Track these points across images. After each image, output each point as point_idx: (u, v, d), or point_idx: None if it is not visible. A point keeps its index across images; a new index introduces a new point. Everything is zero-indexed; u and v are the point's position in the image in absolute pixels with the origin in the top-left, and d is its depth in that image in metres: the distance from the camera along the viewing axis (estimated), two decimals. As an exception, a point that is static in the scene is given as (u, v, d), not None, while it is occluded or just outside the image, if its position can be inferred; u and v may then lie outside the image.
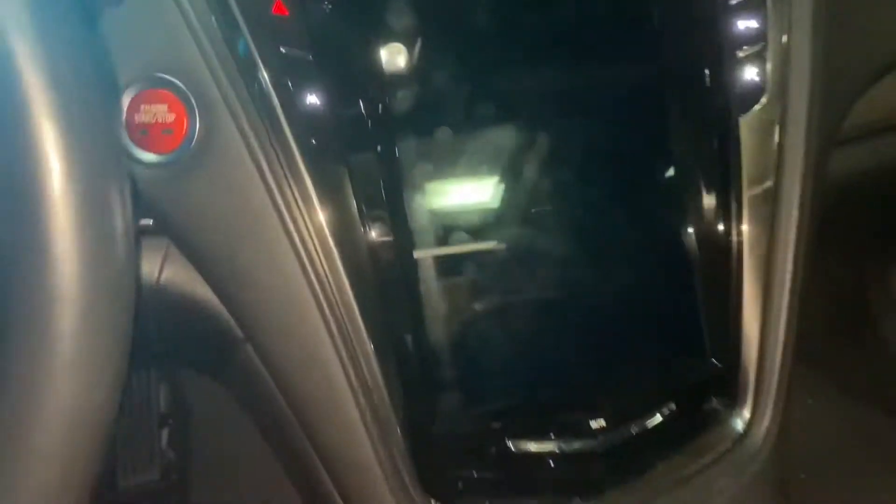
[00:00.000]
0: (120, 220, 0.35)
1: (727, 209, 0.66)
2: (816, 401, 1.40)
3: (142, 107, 0.53)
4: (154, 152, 0.54)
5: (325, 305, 0.54)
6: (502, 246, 0.62)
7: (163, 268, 0.59)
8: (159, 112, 0.53)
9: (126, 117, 0.53)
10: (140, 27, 0.53)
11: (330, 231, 0.54)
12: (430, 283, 0.60)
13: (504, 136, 0.62)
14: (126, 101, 0.53)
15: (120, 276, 0.35)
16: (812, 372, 1.42)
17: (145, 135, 0.53)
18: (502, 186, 0.62)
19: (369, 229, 0.56)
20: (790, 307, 0.66)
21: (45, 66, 0.31)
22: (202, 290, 0.58)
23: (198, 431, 1.26)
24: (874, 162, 0.89)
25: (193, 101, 0.53)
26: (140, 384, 1.23)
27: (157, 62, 0.53)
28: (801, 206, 0.66)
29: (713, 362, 0.67)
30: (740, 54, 0.66)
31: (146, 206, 0.56)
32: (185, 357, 0.78)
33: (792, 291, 0.66)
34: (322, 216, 0.54)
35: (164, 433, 1.29)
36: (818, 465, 1.25)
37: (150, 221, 0.57)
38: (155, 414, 1.27)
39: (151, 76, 0.53)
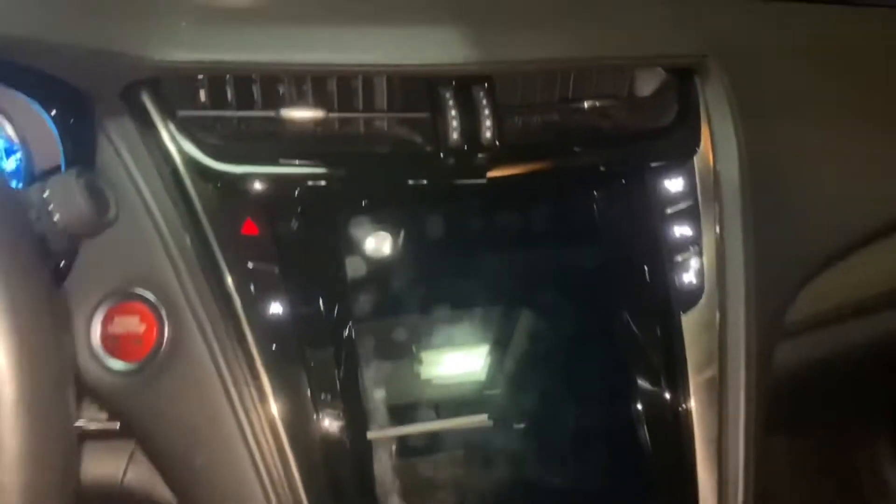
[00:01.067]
0: (63, 425, 0.37)
1: (675, 399, 0.69)
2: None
3: (115, 318, 0.58)
4: (123, 360, 0.57)
5: (273, 501, 0.56)
6: (455, 433, 0.65)
7: (127, 469, 0.62)
8: (131, 323, 0.57)
9: (101, 328, 0.58)
10: (120, 246, 0.59)
11: (284, 429, 0.57)
12: (384, 473, 0.62)
13: (457, 330, 0.67)
14: (101, 313, 0.58)
15: (60, 475, 0.37)
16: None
17: (116, 344, 0.57)
18: (453, 375, 0.66)
19: (322, 424, 0.59)
20: (745, 499, 0.67)
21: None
22: (163, 492, 0.60)
23: None
24: (833, 347, 0.92)
25: (164, 312, 0.57)
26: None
27: (133, 278, 0.58)
28: (748, 396, 0.69)
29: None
30: (678, 258, 0.71)
31: (114, 410, 0.59)
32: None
33: (745, 483, 0.67)
34: (277, 413, 0.58)
35: None
36: None
37: (117, 425, 0.60)
38: None
39: (127, 291, 0.58)
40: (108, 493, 0.62)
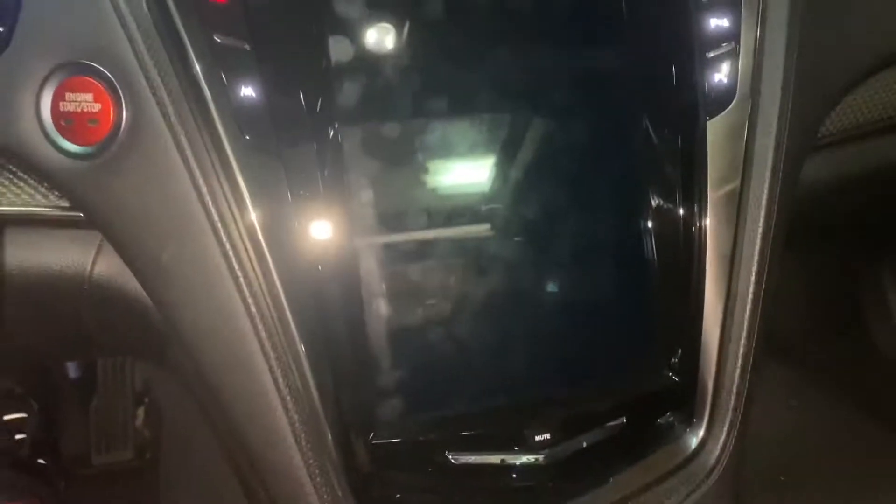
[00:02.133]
0: None
1: (689, 215, 0.64)
2: (801, 403, 1.38)
3: (67, 95, 0.51)
4: (79, 143, 0.52)
5: (252, 305, 0.52)
6: (448, 245, 0.60)
7: (96, 260, 0.58)
8: (85, 101, 0.51)
9: (51, 105, 0.51)
10: (67, 11, 0.51)
11: (261, 227, 0.52)
12: (371, 283, 0.57)
13: (454, 130, 0.60)
14: (51, 88, 0.51)
15: None
16: (799, 373, 1.40)
17: (70, 124, 0.51)
18: (450, 182, 0.60)
19: (304, 226, 0.54)
20: (751, 318, 0.64)
21: None
22: (133, 285, 0.57)
23: (174, 409, 1.26)
24: (867, 164, 0.86)
25: (120, 90, 0.51)
26: (114, 362, 1.22)
27: (84, 49, 0.51)
28: (767, 212, 0.63)
29: (669, 375, 0.65)
30: (711, 55, 0.62)
31: (73, 198, 0.54)
32: (127, 348, 0.77)
33: (754, 300, 0.64)
34: (253, 212, 0.52)
35: (140, 411, 1.28)
36: (799, 468, 1.23)
37: (81, 214, 0.55)
38: (129, 392, 1.27)
39: (77, 63, 0.51)
40: (79, 284, 0.58)
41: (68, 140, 0.51)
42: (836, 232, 1.13)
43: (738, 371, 0.64)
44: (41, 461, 1.12)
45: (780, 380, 1.40)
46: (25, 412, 1.13)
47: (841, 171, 0.80)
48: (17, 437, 1.10)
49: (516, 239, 0.62)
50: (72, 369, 1.23)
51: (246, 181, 0.52)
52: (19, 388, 1.14)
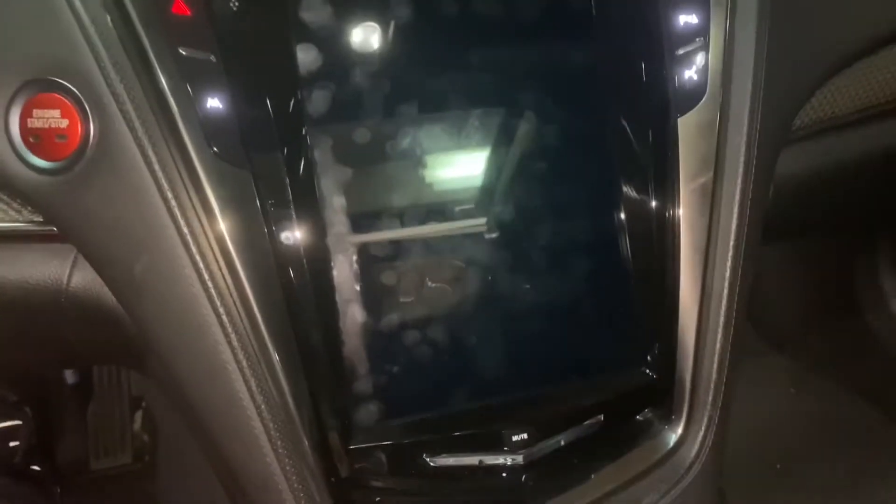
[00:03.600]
0: None
1: (663, 211, 0.64)
2: (799, 392, 1.39)
3: (34, 111, 0.51)
4: (48, 159, 0.52)
5: (224, 316, 0.52)
6: (420, 247, 0.60)
7: (72, 273, 0.58)
8: (52, 117, 0.51)
9: (19, 122, 0.52)
10: (31, 29, 0.51)
11: (231, 238, 0.53)
12: (343, 288, 0.58)
13: (423, 133, 0.60)
14: (18, 105, 0.51)
15: None
16: (796, 363, 1.41)
17: (39, 141, 0.52)
18: (420, 184, 0.60)
19: (275, 234, 0.54)
20: (728, 311, 0.64)
21: None
22: (109, 298, 0.57)
23: (170, 412, 1.26)
24: (844, 155, 0.86)
25: (87, 106, 0.51)
26: (110, 367, 1.23)
27: (50, 65, 0.51)
28: (741, 207, 0.64)
29: (646, 372, 0.65)
30: (680, 52, 0.63)
31: (45, 213, 0.55)
32: (109, 358, 0.77)
33: (729, 295, 0.64)
34: (222, 222, 0.52)
35: (137, 416, 1.29)
36: (795, 457, 1.24)
37: (54, 228, 0.56)
38: (126, 396, 1.27)
39: (44, 80, 0.51)
40: (56, 297, 0.59)
41: (37, 156, 0.52)
42: (826, 221, 1.13)
43: (715, 366, 0.64)
44: (36, 468, 1.13)
45: (776, 370, 1.40)
46: (20, 419, 1.14)
47: (819, 163, 0.80)
48: (11, 444, 1.10)
49: (489, 238, 0.62)
50: (68, 375, 1.24)
51: (214, 192, 0.52)
52: (13, 395, 1.15)
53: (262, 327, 0.53)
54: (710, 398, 0.65)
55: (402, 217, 0.59)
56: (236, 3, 0.54)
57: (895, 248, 1.27)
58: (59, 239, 0.56)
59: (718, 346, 0.64)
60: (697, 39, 0.62)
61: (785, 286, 1.41)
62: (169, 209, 0.51)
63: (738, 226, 0.64)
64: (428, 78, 0.61)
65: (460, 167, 0.62)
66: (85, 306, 0.58)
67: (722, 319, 0.64)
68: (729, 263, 0.64)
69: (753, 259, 0.66)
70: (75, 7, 0.50)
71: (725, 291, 0.64)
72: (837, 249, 1.34)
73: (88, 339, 0.63)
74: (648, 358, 0.66)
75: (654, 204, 0.64)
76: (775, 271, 1.37)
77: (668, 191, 0.64)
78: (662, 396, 0.65)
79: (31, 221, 0.57)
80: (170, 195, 0.51)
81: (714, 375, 0.64)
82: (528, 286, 0.63)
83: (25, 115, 0.51)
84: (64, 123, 0.51)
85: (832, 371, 1.38)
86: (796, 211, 0.87)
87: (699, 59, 0.63)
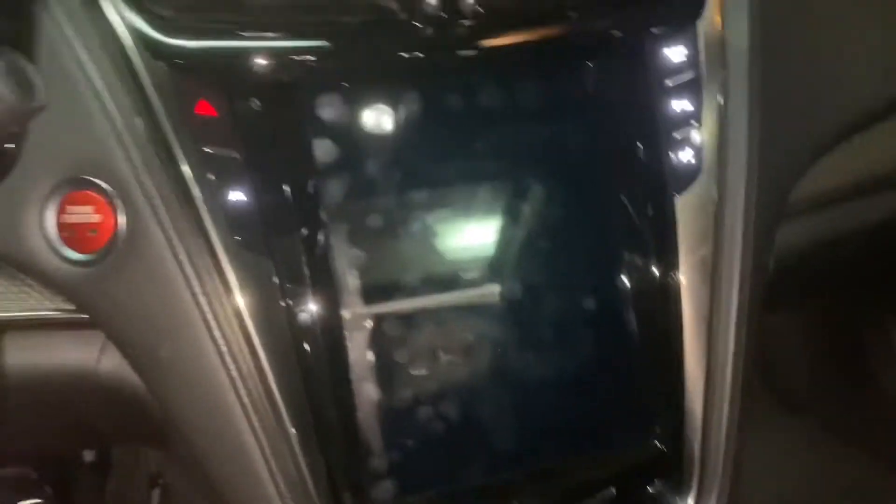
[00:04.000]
0: None
1: (665, 286, 0.66)
2: (813, 454, 1.38)
3: (68, 208, 0.55)
4: (81, 251, 0.55)
5: (246, 399, 0.55)
6: (431, 323, 0.62)
7: (100, 359, 0.61)
8: (85, 213, 0.55)
9: (55, 218, 0.55)
10: (68, 131, 0.55)
11: (251, 321, 0.56)
12: (358, 368, 0.60)
13: (433, 216, 0.63)
14: (54, 202, 0.55)
15: None
16: (810, 426, 1.40)
17: (72, 235, 0.55)
18: (430, 262, 0.63)
19: (293, 315, 0.57)
20: (734, 381, 0.66)
21: None
22: (134, 380, 0.60)
23: (188, 491, 1.27)
24: (843, 227, 0.88)
25: (118, 201, 0.55)
26: (128, 451, 1.24)
27: (84, 165, 0.55)
28: (741, 279, 0.66)
29: (656, 443, 0.67)
30: (676, 135, 0.66)
31: (76, 302, 0.58)
32: (135, 438, 0.79)
33: (735, 365, 0.66)
34: (244, 307, 0.55)
35: (155, 493, 1.30)
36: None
37: (86, 316, 0.59)
38: (145, 474, 1.28)
39: (78, 178, 0.55)
40: (85, 380, 0.62)
41: (71, 249, 0.55)
42: (830, 288, 1.14)
43: (724, 435, 0.66)
44: (56, 547, 1.14)
45: (790, 434, 1.40)
46: (41, 498, 1.15)
47: (820, 235, 0.83)
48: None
49: (498, 311, 0.64)
50: (86, 454, 1.26)
51: (237, 280, 0.55)
52: (33, 473, 1.17)
53: (281, 406, 0.56)
54: (721, 468, 0.66)
55: (414, 291, 0.62)
56: (257, 104, 0.58)
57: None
58: (89, 325, 0.59)
59: (726, 415, 0.66)
60: (692, 122, 0.66)
61: (795, 349, 1.41)
62: (193, 296, 0.55)
63: (740, 297, 0.66)
64: (436, 161, 0.64)
65: (469, 243, 0.65)
66: (112, 389, 0.61)
67: (728, 388, 0.66)
68: (732, 333, 0.66)
69: (757, 328, 0.68)
70: (109, 112, 0.54)
71: (730, 361, 0.66)
72: (845, 310, 1.35)
73: (114, 420, 0.65)
74: (658, 429, 0.67)
75: (656, 277, 0.67)
76: (784, 335, 1.38)
77: (669, 264, 0.66)
78: (673, 467, 0.66)
79: (63, 309, 0.60)
80: (194, 283, 0.55)
81: (724, 445, 0.66)
82: (536, 359, 0.65)
83: (60, 212, 0.55)
84: (96, 218, 0.55)
85: (846, 433, 1.37)
86: (800, 280, 0.89)
87: (694, 140, 0.66)
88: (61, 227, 0.55)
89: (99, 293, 0.56)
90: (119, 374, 0.61)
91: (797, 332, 1.38)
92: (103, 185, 0.55)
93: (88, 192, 0.55)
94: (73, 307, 0.60)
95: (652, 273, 0.67)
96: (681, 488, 0.66)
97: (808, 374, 1.44)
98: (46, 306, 0.60)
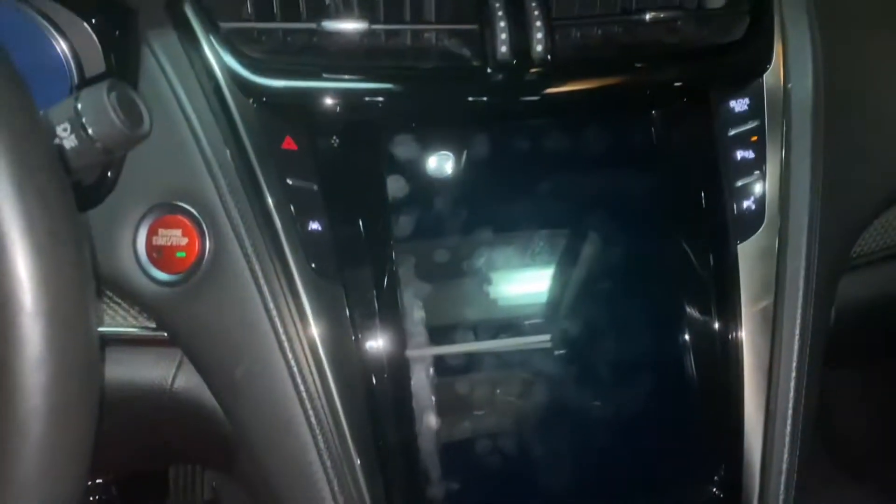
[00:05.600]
0: (85, 337, 0.38)
1: (726, 333, 0.67)
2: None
3: (159, 231, 0.59)
4: (168, 272, 0.59)
5: (314, 421, 0.57)
6: (493, 360, 0.64)
7: (176, 376, 0.64)
8: (174, 236, 0.59)
9: (146, 240, 0.59)
10: (162, 159, 0.59)
11: (323, 347, 0.58)
12: (421, 397, 0.62)
13: (497, 254, 0.66)
14: (146, 225, 0.59)
15: (83, 380, 0.38)
16: (875, 494, 1.35)
17: (161, 256, 0.59)
18: (494, 301, 0.65)
19: (361, 345, 0.60)
20: (793, 430, 0.65)
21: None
22: (209, 399, 0.62)
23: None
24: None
25: (205, 226, 0.58)
26: (184, 474, 1.27)
27: (176, 191, 0.59)
28: (802, 331, 0.66)
29: (714, 491, 0.66)
30: (739, 183, 0.67)
31: (159, 320, 0.61)
32: (199, 457, 0.82)
33: (794, 415, 0.65)
34: (316, 332, 0.58)
35: (209, 517, 1.32)
36: None
37: (166, 334, 0.62)
38: (199, 502, 1.31)
39: (169, 204, 0.59)
40: (160, 397, 0.65)
41: (159, 269, 0.59)
42: (892, 346, 1.12)
43: (783, 486, 0.65)
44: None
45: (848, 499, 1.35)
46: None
47: (881, 290, 0.82)
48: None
49: (560, 355, 0.66)
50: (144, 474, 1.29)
51: (311, 304, 0.58)
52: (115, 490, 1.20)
53: (346, 429, 0.58)
54: (779, 518, 0.65)
55: (476, 330, 0.64)
56: (336, 140, 0.62)
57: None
58: (168, 343, 0.63)
59: (785, 465, 0.65)
60: (755, 172, 0.67)
61: (855, 410, 1.38)
62: (270, 319, 0.58)
63: (801, 347, 0.66)
64: (501, 203, 0.67)
65: (530, 286, 0.67)
66: (185, 406, 0.64)
67: (788, 439, 0.66)
68: (793, 384, 0.66)
69: (818, 379, 0.68)
70: (201, 143, 0.58)
71: (790, 411, 0.66)
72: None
73: (184, 437, 0.68)
74: (716, 478, 0.67)
75: (716, 325, 0.68)
76: (849, 399, 1.35)
77: (730, 313, 0.67)
78: (731, 514, 0.66)
79: (144, 327, 0.64)
80: (272, 306, 0.58)
81: (782, 494, 0.65)
82: (594, 403, 0.66)
83: (151, 234, 0.59)
84: (184, 241, 0.58)
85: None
86: (861, 336, 0.88)
87: (757, 189, 0.67)
88: (151, 248, 0.59)
89: (182, 312, 0.59)
90: (192, 392, 0.64)
91: (859, 391, 1.35)
92: (192, 210, 0.58)
93: (178, 216, 0.59)
94: (152, 325, 0.63)
95: (713, 320, 0.68)
96: (738, 537, 0.66)
97: (868, 437, 1.40)
98: (131, 323, 0.64)
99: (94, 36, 0.58)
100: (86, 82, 0.56)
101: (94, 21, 0.58)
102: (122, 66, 0.58)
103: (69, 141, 0.50)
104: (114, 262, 0.59)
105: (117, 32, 0.59)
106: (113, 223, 0.59)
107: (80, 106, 0.50)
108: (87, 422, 0.39)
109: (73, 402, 0.38)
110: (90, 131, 0.50)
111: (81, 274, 0.38)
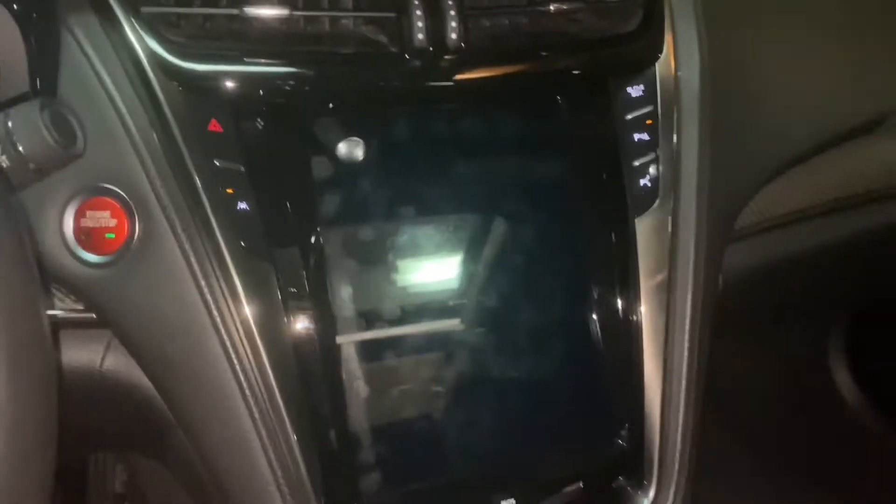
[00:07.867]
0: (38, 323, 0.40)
1: (627, 300, 0.73)
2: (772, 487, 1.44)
3: (87, 213, 0.59)
4: (97, 253, 0.60)
5: (248, 394, 0.59)
6: (419, 335, 0.68)
7: (105, 357, 0.65)
8: (102, 217, 0.59)
9: (73, 222, 0.59)
10: (90, 143, 0.60)
11: (255, 323, 0.60)
12: (352, 369, 0.65)
13: (420, 233, 0.70)
14: (73, 207, 0.59)
15: (41, 371, 0.40)
16: (765, 454, 1.47)
17: (89, 238, 0.59)
18: (417, 279, 0.69)
19: (292, 320, 0.62)
20: (688, 390, 0.72)
21: None
22: (139, 379, 0.64)
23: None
24: (786, 251, 0.96)
25: (134, 207, 0.59)
26: (96, 466, 1.25)
27: (103, 173, 0.60)
28: (694, 296, 0.73)
29: (620, 443, 0.73)
30: (636, 163, 0.74)
31: (89, 302, 0.62)
32: (127, 440, 0.82)
33: (689, 375, 0.72)
34: (248, 309, 0.60)
35: (122, 509, 1.30)
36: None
37: (94, 315, 0.63)
38: (111, 495, 1.29)
39: (97, 186, 0.59)
40: (89, 379, 0.65)
41: (87, 251, 0.60)
42: (773, 313, 1.23)
43: (679, 437, 0.72)
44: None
45: (745, 463, 1.46)
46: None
47: (764, 258, 0.91)
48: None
49: (479, 330, 0.71)
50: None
51: (242, 282, 0.60)
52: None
53: (280, 401, 0.60)
54: (678, 466, 0.72)
55: (401, 309, 0.68)
56: (260, 123, 0.64)
57: (840, 336, 1.37)
58: (96, 325, 0.63)
59: (682, 419, 0.72)
60: (650, 153, 0.73)
61: (742, 376, 1.49)
62: (202, 296, 0.59)
63: (692, 314, 0.73)
64: (421, 187, 0.71)
65: (450, 267, 0.72)
66: (115, 387, 0.65)
67: (683, 395, 0.72)
68: (686, 346, 0.73)
69: (708, 343, 0.75)
70: (127, 125, 0.59)
71: (685, 370, 0.73)
72: (789, 339, 1.44)
73: (114, 419, 0.68)
74: (621, 433, 0.73)
75: (618, 295, 0.74)
76: (732, 361, 1.46)
77: (630, 282, 0.73)
78: (635, 465, 0.72)
79: (71, 309, 0.64)
80: (203, 284, 0.59)
81: (679, 447, 0.72)
82: (510, 373, 0.71)
83: (79, 217, 0.59)
84: (112, 223, 0.59)
85: (802, 461, 1.44)
86: (745, 303, 0.97)
87: (652, 169, 0.73)
88: (79, 230, 0.59)
89: (112, 293, 0.60)
90: (121, 372, 0.65)
91: (744, 358, 1.46)
92: (120, 191, 0.59)
93: (106, 198, 0.59)
94: (79, 307, 0.64)
95: (615, 291, 0.74)
96: (642, 483, 0.72)
97: (754, 402, 1.51)
98: (57, 306, 0.64)
99: (12, 20, 0.58)
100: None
101: (14, 6, 0.57)
102: (42, 51, 0.58)
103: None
104: (40, 245, 0.59)
105: (34, 15, 0.59)
106: (39, 206, 0.59)
107: (11, 124, 0.49)
108: (50, 402, 0.40)
109: (34, 388, 0.39)
110: (21, 149, 0.49)
111: (28, 267, 0.38)
